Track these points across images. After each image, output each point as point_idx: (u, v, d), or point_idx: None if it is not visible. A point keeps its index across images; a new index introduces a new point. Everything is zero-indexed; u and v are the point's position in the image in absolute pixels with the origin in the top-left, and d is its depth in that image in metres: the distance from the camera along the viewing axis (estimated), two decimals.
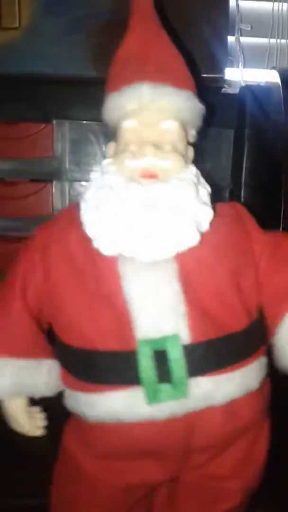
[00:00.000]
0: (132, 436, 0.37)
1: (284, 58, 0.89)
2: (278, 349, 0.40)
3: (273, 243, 0.41)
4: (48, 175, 0.61)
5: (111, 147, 0.41)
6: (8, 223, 0.61)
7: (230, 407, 0.38)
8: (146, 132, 0.38)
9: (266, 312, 0.40)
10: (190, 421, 0.37)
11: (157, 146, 0.37)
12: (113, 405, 0.37)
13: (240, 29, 0.79)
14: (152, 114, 0.38)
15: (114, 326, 0.37)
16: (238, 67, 0.82)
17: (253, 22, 0.80)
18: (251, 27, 0.80)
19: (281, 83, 0.74)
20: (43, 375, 0.40)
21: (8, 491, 0.57)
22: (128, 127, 0.38)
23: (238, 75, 0.82)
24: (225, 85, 0.66)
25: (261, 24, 0.81)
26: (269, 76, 0.81)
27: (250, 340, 0.39)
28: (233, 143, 0.63)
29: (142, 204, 0.36)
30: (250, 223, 0.41)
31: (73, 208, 0.40)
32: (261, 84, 0.69)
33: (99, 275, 0.37)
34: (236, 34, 0.79)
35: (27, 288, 0.39)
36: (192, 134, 0.42)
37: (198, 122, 0.41)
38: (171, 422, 0.37)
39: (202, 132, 0.47)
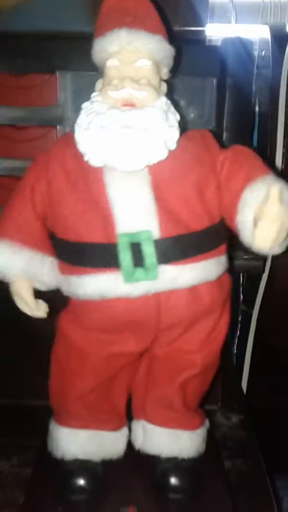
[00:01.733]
0: (113, 310, 0.47)
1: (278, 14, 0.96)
2: (240, 232, 0.47)
3: (233, 153, 0.49)
4: (52, 121, 0.69)
5: (99, 82, 0.49)
6: (16, 163, 0.69)
7: (192, 292, 0.48)
8: (125, 69, 0.47)
9: (226, 211, 0.49)
10: (160, 300, 0.47)
11: (134, 80, 0.46)
12: (98, 284, 0.46)
13: None
14: (130, 54, 0.47)
15: (100, 223, 0.46)
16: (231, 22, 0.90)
17: None
18: None
19: (271, 38, 0.81)
20: (46, 267, 0.50)
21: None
22: (111, 65, 0.48)
23: (231, 30, 0.90)
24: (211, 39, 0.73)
25: None
26: (261, 32, 0.88)
27: (209, 239, 0.48)
28: (216, 91, 0.70)
29: (121, 125, 0.45)
30: (214, 144, 0.50)
31: (69, 134, 0.49)
32: (242, 37, 0.75)
33: (88, 183, 0.47)
34: None
35: (35, 195, 0.49)
36: (165, 72, 0.51)
37: (169, 62, 0.50)
38: (144, 300, 0.46)
39: (189, 81, 0.55)
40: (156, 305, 0.48)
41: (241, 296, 0.99)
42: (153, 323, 0.49)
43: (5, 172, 0.68)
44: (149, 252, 0.46)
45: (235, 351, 1.00)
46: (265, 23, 0.90)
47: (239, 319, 1.00)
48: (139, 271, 0.46)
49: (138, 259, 0.46)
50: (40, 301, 0.51)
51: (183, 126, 0.50)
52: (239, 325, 1.00)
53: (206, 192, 0.48)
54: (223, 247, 0.51)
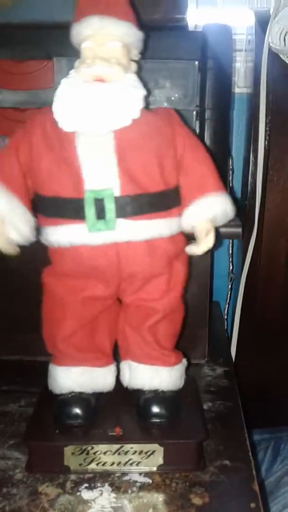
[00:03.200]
0: (80, 256, 0.56)
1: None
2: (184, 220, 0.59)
3: (192, 143, 0.58)
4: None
5: (77, 62, 0.57)
6: None
7: (148, 245, 0.56)
8: (98, 50, 0.54)
9: (182, 194, 0.59)
10: (119, 250, 0.56)
11: (105, 59, 0.54)
12: (67, 233, 0.55)
13: None
14: (102, 37, 0.55)
15: (71, 181, 0.55)
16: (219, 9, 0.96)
17: None
18: None
19: (255, 23, 0.87)
20: (22, 211, 0.57)
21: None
22: (85, 46, 0.55)
23: (217, 16, 0.96)
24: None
25: None
26: (247, 17, 0.94)
27: (163, 200, 0.57)
28: (198, 73, 0.77)
29: (91, 96, 0.53)
30: (178, 121, 0.58)
31: (50, 106, 0.56)
32: (222, 23, 0.81)
33: (62, 146, 0.55)
34: None
35: (19, 154, 0.57)
36: (135, 53, 0.58)
37: (139, 45, 0.58)
38: (105, 248, 0.55)
39: (173, 64, 0.62)
40: (116, 254, 0.56)
41: (230, 265, 1.06)
42: (114, 270, 0.57)
43: None
44: (110, 207, 0.54)
45: (226, 316, 1.08)
46: (251, 9, 0.97)
47: (230, 285, 1.07)
48: (101, 223, 0.54)
49: (100, 213, 0.54)
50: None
51: (149, 102, 0.58)
52: (230, 291, 1.08)
53: (164, 160, 0.56)
54: (175, 211, 0.59)
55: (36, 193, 0.58)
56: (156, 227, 0.56)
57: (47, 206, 0.57)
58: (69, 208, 0.55)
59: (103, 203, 0.54)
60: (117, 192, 0.54)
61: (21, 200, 0.57)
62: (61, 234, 0.56)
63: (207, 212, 0.58)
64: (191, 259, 0.64)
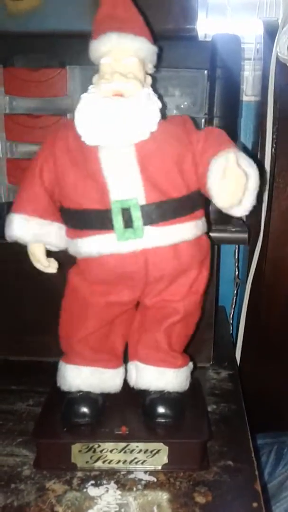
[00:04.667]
0: (109, 264, 0.57)
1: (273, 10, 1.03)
2: (209, 191, 0.55)
3: (206, 133, 0.59)
4: (63, 110, 0.78)
5: (95, 77, 0.59)
6: (33, 148, 0.79)
7: (173, 250, 0.58)
8: (115, 66, 0.56)
9: (201, 179, 0.57)
10: (147, 256, 0.57)
11: (123, 74, 0.55)
12: (96, 243, 0.57)
13: None
14: (119, 53, 0.56)
15: (97, 193, 0.56)
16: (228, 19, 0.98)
17: None
18: None
19: (264, 32, 0.89)
20: (54, 230, 0.60)
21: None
22: (104, 62, 0.57)
23: (226, 25, 0.98)
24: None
25: None
26: (256, 26, 0.96)
27: (185, 205, 0.58)
28: (207, 82, 0.78)
29: (112, 111, 0.54)
30: (191, 126, 0.60)
31: (71, 119, 0.59)
32: (231, 33, 0.83)
33: (86, 160, 0.56)
34: None
35: (43, 173, 0.59)
36: (149, 67, 0.60)
37: (153, 58, 0.59)
38: (134, 255, 0.57)
39: (183, 73, 0.63)
40: (144, 260, 0.57)
41: (236, 270, 1.07)
42: (142, 275, 0.58)
43: (24, 156, 0.78)
44: (136, 215, 0.55)
45: (231, 321, 1.10)
46: (260, 18, 0.98)
47: (235, 291, 1.09)
48: (129, 231, 0.56)
49: (127, 222, 0.56)
50: (52, 259, 0.61)
51: (163, 112, 0.59)
52: (236, 296, 1.09)
53: (184, 165, 0.58)
54: (199, 213, 0.60)
55: (62, 206, 0.60)
56: (181, 231, 0.58)
57: (74, 219, 0.59)
58: (97, 220, 0.56)
59: (129, 212, 0.55)
60: (142, 201, 0.56)
61: (49, 219, 0.59)
62: (90, 245, 0.57)
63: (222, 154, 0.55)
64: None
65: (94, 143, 0.55)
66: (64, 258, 0.63)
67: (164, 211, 0.56)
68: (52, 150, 0.59)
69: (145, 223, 0.56)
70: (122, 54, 0.56)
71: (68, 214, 0.59)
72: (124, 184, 0.56)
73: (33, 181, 0.59)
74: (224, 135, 0.59)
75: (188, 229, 0.58)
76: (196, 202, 0.60)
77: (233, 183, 0.52)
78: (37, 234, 0.59)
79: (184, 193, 0.58)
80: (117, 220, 0.56)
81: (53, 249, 0.61)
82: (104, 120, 0.54)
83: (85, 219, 0.57)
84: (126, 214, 0.55)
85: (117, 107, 0.54)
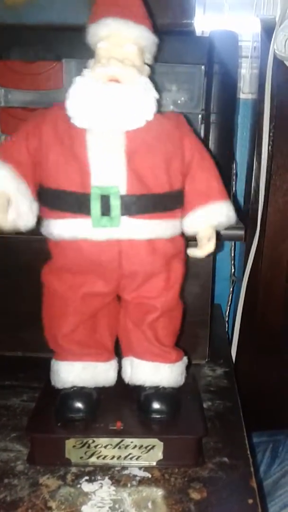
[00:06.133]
0: (82, 250, 0.57)
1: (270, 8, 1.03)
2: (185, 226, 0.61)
3: (199, 149, 0.60)
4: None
5: (91, 61, 0.58)
6: None
7: (149, 245, 0.57)
8: (113, 51, 0.56)
9: (187, 199, 0.60)
10: (121, 247, 0.57)
11: (120, 60, 0.55)
12: (70, 226, 0.56)
13: None
14: (118, 39, 0.56)
15: (78, 175, 0.55)
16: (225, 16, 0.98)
17: None
18: None
19: (261, 30, 0.89)
20: (32, 203, 0.58)
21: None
22: (101, 47, 0.56)
23: (224, 22, 0.97)
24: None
25: None
26: (253, 24, 0.95)
27: (166, 202, 0.58)
28: (204, 77, 0.78)
29: (106, 95, 0.54)
30: (185, 125, 0.60)
31: (63, 102, 0.57)
32: (228, 30, 0.82)
33: (73, 141, 0.56)
34: None
35: (29, 143, 0.58)
36: (148, 57, 0.59)
37: (152, 48, 0.59)
38: (107, 244, 0.56)
39: (180, 68, 0.63)
40: (118, 251, 0.57)
41: (232, 268, 1.07)
42: (115, 266, 0.58)
43: None
44: (115, 204, 0.55)
45: (227, 318, 1.09)
46: (257, 16, 0.98)
47: (231, 288, 1.08)
48: (105, 219, 0.55)
49: (105, 209, 0.55)
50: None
51: (160, 105, 0.58)
52: (232, 294, 1.09)
53: (171, 163, 0.57)
54: (177, 213, 0.60)
55: (41, 185, 0.59)
56: (158, 227, 0.57)
57: (51, 199, 0.57)
58: (74, 202, 0.56)
59: (108, 200, 0.55)
60: (123, 191, 0.55)
61: (28, 186, 0.58)
62: (65, 228, 0.56)
63: (211, 219, 0.60)
64: (193, 261, 0.65)
65: (83, 126, 0.55)
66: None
67: (144, 204, 0.56)
68: (39, 127, 0.57)
69: (123, 213, 0.55)
70: (121, 41, 0.56)
71: (47, 194, 0.58)
72: (108, 171, 0.55)
73: (18, 140, 0.58)
74: (214, 171, 0.61)
75: (166, 227, 0.58)
76: (177, 200, 0.60)
77: (212, 247, 0.61)
78: (11, 189, 0.56)
79: (167, 189, 0.57)
80: (95, 206, 0.55)
81: (20, 222, 0.58)
82: (96, 103, 0.54)
83: (62, 200, 0.56)
84: (105, 202, 0.55)
85: (111, 92, 0.54)
